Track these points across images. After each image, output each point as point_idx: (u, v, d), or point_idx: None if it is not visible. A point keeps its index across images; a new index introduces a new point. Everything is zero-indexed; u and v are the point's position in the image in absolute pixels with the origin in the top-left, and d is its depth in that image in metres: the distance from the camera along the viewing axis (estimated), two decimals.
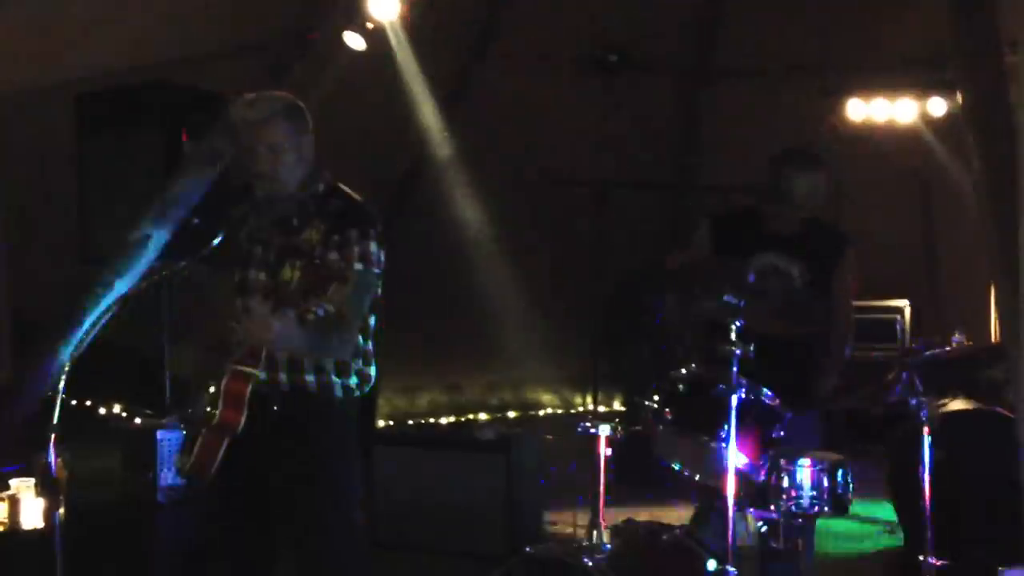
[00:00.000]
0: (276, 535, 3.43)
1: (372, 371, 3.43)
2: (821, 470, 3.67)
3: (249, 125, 3.30)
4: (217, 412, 3.18)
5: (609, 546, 3.71)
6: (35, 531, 4.69)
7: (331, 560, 3.33)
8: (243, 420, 3.18)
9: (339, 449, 3.40)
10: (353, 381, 3.37)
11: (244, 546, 3.41)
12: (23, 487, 4.74)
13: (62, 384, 3.03)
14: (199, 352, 3.57)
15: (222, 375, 3.23)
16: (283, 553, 3.47)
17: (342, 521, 3.38)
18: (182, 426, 3.46)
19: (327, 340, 3.25)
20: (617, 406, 8.75)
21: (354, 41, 5.27)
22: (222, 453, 3.21)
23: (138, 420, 6.45)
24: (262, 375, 3.25)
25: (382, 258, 3.31)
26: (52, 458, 2.99)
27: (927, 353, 4.65)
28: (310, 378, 3.31)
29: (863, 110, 8.11)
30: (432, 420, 8.49)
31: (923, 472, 3.90)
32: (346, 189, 3.42)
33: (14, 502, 4.70)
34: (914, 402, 3.97)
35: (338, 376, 3.34)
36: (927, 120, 8.15)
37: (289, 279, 3.17)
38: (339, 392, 3.34)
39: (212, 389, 3.26)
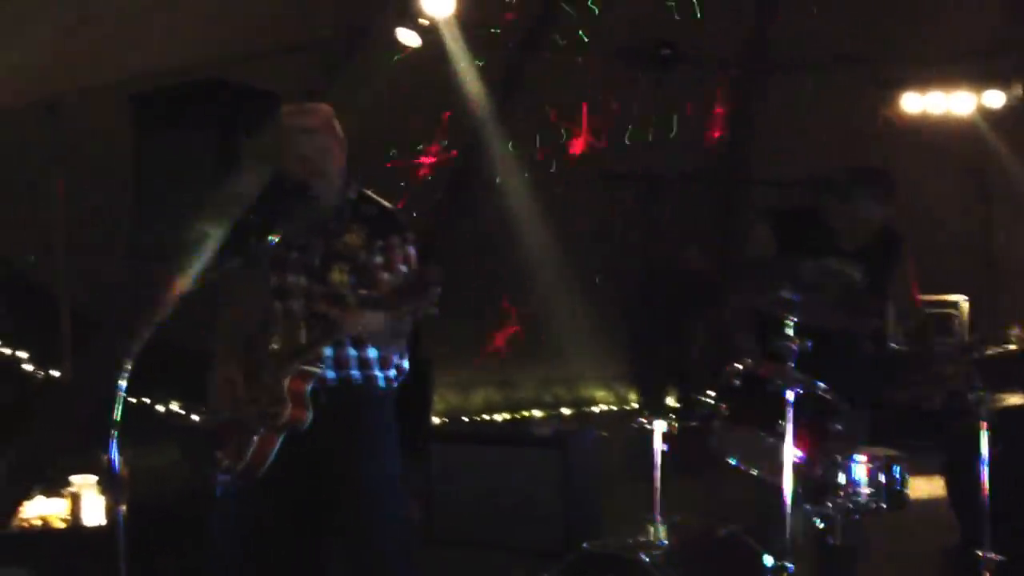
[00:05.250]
0: (325, 525, 3.57)
1: (405, 364, 3.63)
2: (878, 466, 3.63)
3: (302, 133, 3.51)
4: (283, 411, 3.33)
5: (666, 542, 3.70)
6: (97, 528, 4.75)
7: (381, 542, 3.51)
8: (309, 417, 3.35)
9: (384, 435, 3.58)
10: (392, 374, 3.58)
11: (293, 537, 3.54)
12: (84, 484, 4.80)
13: (123, 382, 3.07)
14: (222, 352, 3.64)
15: (264, 374, 3.38)
16: (332, 540, 3.62)
17: (392, 504, 3.55)
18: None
19: (396, 336, 3.49)
20: (671, 402, 8.71)
21: (408, 38, 5.29)
22: (276, 450, 3.37)
23: (195, 417, 6.54)
24: (331, 374, 3.43)
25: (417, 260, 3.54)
26: (115, 455, 3.04)
27: (985, 348, 4.59)
28: (355, 373, 3.50)
29: (919, 103, 7.99)
30: (486, 417, 8.51)
31: (980, 467, 3.85)
32: (374, 195, 3.63)
33: (75, 499, 4.77)
34: (972, 397, 3.91)
35: (380, 369, 3.54)
36: (984, 112, 8.02)
37: (338, 282, 3.41)
38: (382, 384, 3.54)
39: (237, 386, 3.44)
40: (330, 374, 3.45)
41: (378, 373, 3.53)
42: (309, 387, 3.37)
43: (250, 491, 3.48)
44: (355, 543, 3.56)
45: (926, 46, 7.95)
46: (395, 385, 3.60)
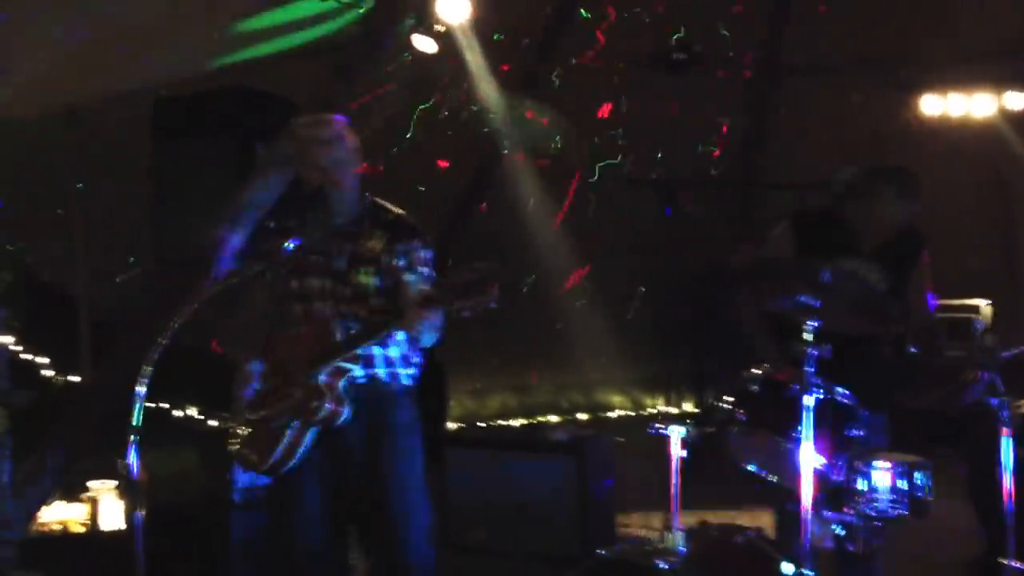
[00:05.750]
0: (349, 517, 3.76)
1: (421, 360, 3.82)
2: (900, 472, 3.60)
3: (320, 144, 3.66)
4: (321, 405, 3.49)
5: (683, 549, 3.68)
6: (115, 532, 4.77)
7: (406, 534, 3.65)
8: (345, 413, 3.52)
9: (409, 430, 3.74)
10: (412, 371, 3.76)
11: (318, 529, 3.65)
12: (103, 489, 4.83)
13: (142, 387, 3.09)
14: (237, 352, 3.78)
15: (296, 371, 3.50)
16: (353, 530, 3.82)
17: (417, 498, 3.69)
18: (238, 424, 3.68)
19: (436, 334, 3.66)
20: (689, 407, 8.67)
21: (423, 44, 5.29)
22: (306, 445, 3.53)
23: (213, 422, 6.56)
24: (359, 371, 3.58)
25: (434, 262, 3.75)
26: (134, 460, 3.06)
27: (1006, 352, 4.55)
28: (381, 371, 3.66)
29: (938, 105, 7.94)
30: (502, 422, 8.50)
31: (1003, 474, 3.81)
32: (386, 203, 3.80)
33: (94, 504, 4.80)
34: (994, 402, 3.88)
35: (403, 367, 3.72)
36: (1005, 114, 7.96)
37: (365, 283, 3.60)
38: (405, 380, 3.73)
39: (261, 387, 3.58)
40: (357, 372, 3.59)
41: (401, 370, 3.71)
42: (343, 383, 3.53)
43: (275, 487, 3.68)
44: (380, 536, 3.71)
45: (945, 48, 7.90)
46: (413, 383, 3.77)
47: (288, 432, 3.53)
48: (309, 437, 3.55)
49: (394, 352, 3.68)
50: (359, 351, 3.57)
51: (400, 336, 3.63)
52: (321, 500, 3.66)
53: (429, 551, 3.73)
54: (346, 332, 3.56)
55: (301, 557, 3.67)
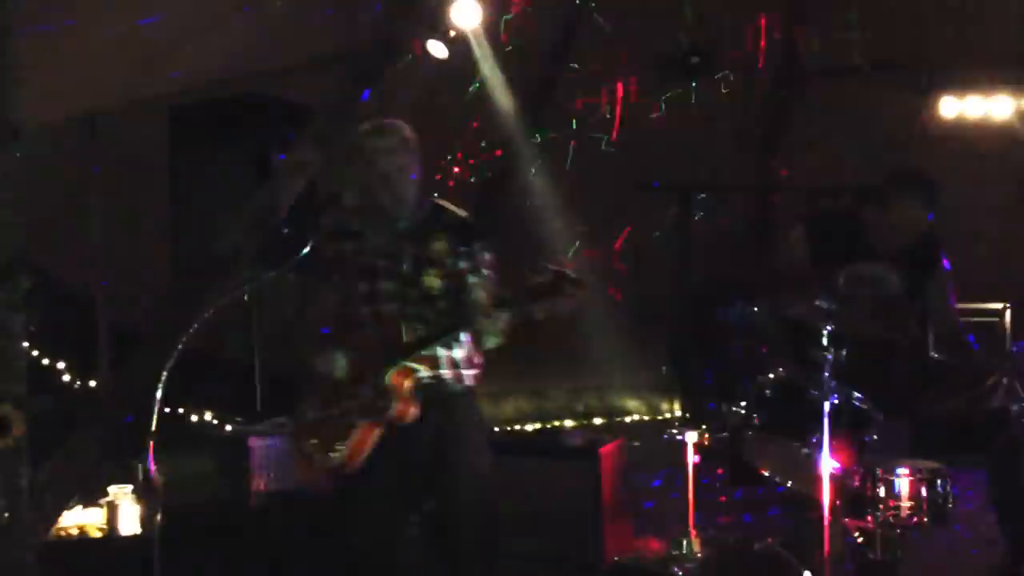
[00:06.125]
0: (416, 514, 3.83)
1: (480, 362, 3.87)
2: (920, 479, 3.57)
3: (382, 152, 3.71)
4: (390, 404, 3.57)
5: (699, 555, 3.66)
6: (132, 537, 4.78)
7: (471, 532, 3.72)
8: (415, 413, 3.60)
9: (475, 429, 3.84)
10: (475, 372, 3.84)
11: (383, 528, 3.72)
12: (120, 493, 4.84)
13: (159, 393, 3.10)
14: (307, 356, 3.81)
15: (366, 371, 3.60)
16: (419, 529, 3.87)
17: (484, 496, 3.76)
18: (288, 427, 3.68)
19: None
20: (703, 412, 8.64)
21: (437, 49, 5.30)
22: (374, 443, 3.61)
23: (228, 427, 6.58)
24: (425, 372, 3.65)
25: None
26: (151, 465, 3.07)
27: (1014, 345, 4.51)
28: (446, 372, 3.73)
29: (956, 107, 7.89)
30: (517, 427, 8.48)
31: None
32: (448, 204, 3.85)
33: (112, 508, 4.81)
34: (1016, 407, 3.85)
35: (466, 369, 3.79)
36: (1023, 116, 7.91)
37: (431, 286, 3.66)
38: (468, 381, 3.80)
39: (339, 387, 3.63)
40: (423, 372, 3.66)
41: (465, 371, 3.79)
42: (410, 384, 3.60)
43: (340, 485, 3.73)
44: (447, 535, 3.76)
45: (963, 50, 7.85)
46: (474, 383, 3.84)
47: (355, 431, 3.61)
48: (376, 436, 3.62)
49: (458, 353, 3.74)
50: (425, 352, 3.64)
51: (463, 338, 3.70)
52: (386, 499, 3.71)
53: (494, 549, 3.81)
54: (413, 333, 3.62)
55: (364, 555, 3.73)
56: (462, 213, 3.85)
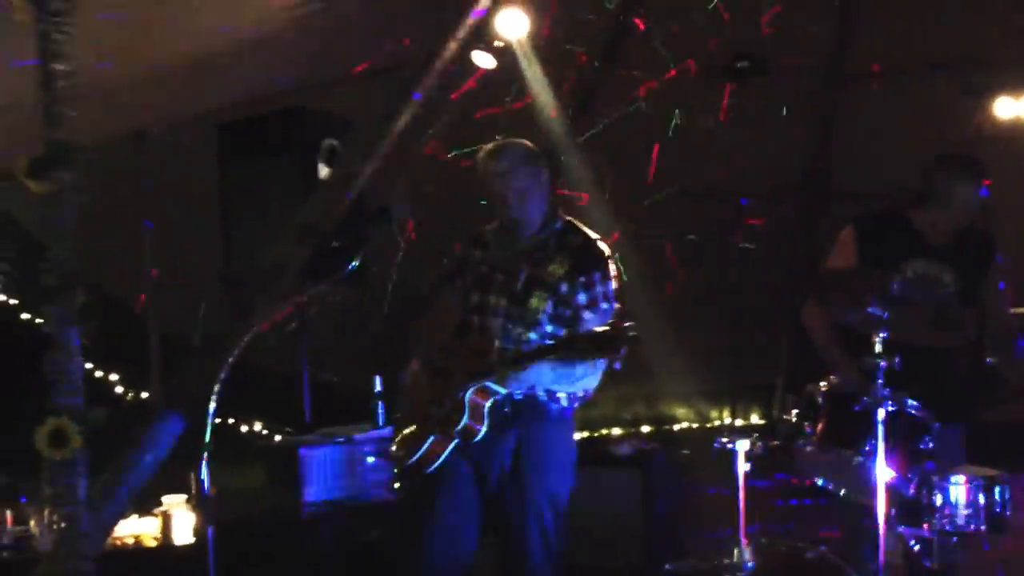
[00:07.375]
0: (490, 526, 3.83)
1: (591, 388, 3.83)
2: (977, 487, 3.52)
3: (497, 176, 3.73)
4: (459, 419, 3.60)
5: (751, 564, 3.63)
6: (186, 546, 4.83)
7: (532, 556, 3.72)
8: (482, 431, 3.61)
9: (556, 452, 3.80)
10: (577, 394, 3.81)
11: (453, 538, 3.75)
12: (174, 503, 4.90)
13: (212, 404, 3.14)
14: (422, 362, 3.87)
15: (451, 383, 3.64)
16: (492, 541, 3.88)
17: (549, 522, 3.73)
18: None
19: (581, 377, 3.77)
20: (755, 420, 8.55)
21: (483, 60, 5.31)
22: (447, 453, 3.64)
23: (279, 437, 6.63)
24: (519, 390, 3.66)
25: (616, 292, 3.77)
26: (205, 476, 3.11)
27: None
28: (540, 392, 3.72)
29: (1012, 108, 7.74)
30: None
31: None
32: (579, 224, 3.83)
33: (166, 518, 4.86)
34: None
35: (563, 391, 3.77)
36: None
37: (536, 308, 3.65)
38: (564, 403, 3.78)
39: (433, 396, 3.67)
40: (517, 390, 3.66)
41: (561, 393, 3.75)
42: (488, 403, 3.61)
43: (412, 491, 3.83)
44: (510, 559, 3.77)
45: (1020, 49, 7.71)
46: (576, 406, 3.83)
47: (430, 439, 3.64)
48: (449, 447, 3.64)
49: (550, 380, 3.69)
50: (510, 374, 3.62)
51: (560, 369, 3.65)
52: (459, 509, 3.74)
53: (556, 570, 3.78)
54: (503, 353, 3.62)
55: (430, 566, 3.74)
56: (592, 235, 3.80)
